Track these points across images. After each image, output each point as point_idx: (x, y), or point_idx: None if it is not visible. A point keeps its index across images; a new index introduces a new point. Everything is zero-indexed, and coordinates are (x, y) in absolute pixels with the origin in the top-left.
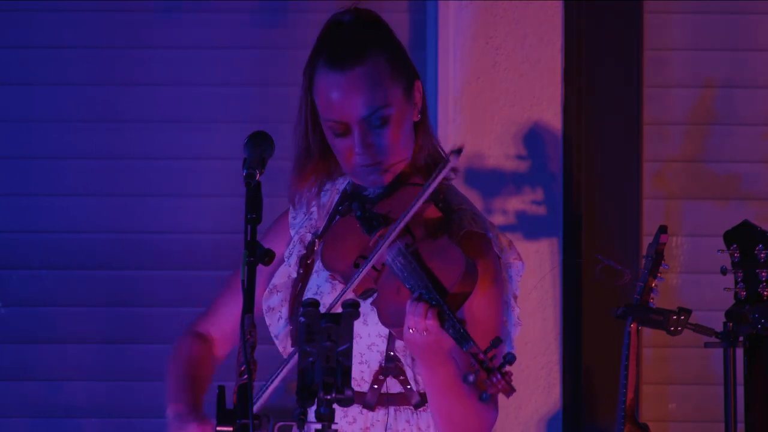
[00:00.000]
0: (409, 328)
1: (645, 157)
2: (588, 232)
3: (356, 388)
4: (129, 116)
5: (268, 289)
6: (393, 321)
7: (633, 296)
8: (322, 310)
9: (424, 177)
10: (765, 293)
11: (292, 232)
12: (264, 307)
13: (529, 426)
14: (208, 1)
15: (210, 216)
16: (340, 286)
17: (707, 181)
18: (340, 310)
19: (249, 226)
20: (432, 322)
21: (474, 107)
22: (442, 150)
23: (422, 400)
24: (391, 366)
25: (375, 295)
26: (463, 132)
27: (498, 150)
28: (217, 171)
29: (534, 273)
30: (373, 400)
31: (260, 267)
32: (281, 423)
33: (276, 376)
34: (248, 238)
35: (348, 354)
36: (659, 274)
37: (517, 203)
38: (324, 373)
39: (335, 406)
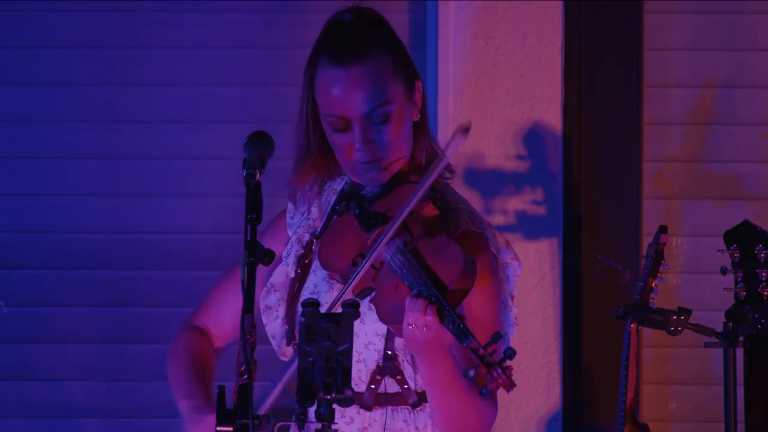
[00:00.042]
0: (408, 325)
1: (645, 157)
2: (588, 232)
3: (353, 388)
4: (129, 116)
5: (265, 288)
6: (392, 318)
7: (633, 296)
8: (323, 309)
9: (422, 176)
10: (765, 293)
11: (290, 232)
12: (261, 306)
13: (529, 426)
14: (208, 1)
15: (210, 216)
16: (337, 286)
17: (707, 181)
18: (339, 309)
19: (249, 226)
20: (431, 318)
21: (474, 107)
22: (440, 150)
23: (420, 400)
24: (388, 365)
25: (373, 293)
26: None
27: (498, 150)
28: (217, 171)
29: (534, 273)
30: (371, 400)
31: (258, 266)
32: (281, 423)
33: (281, 378)
34: (248, 238)
35: (348, 354)
36: (659, 274)
37: (517, 203)
38: (324, 373)
39: (334, 405)
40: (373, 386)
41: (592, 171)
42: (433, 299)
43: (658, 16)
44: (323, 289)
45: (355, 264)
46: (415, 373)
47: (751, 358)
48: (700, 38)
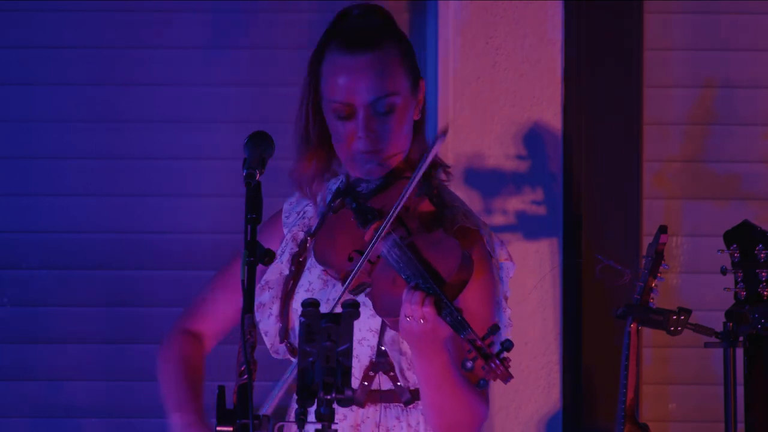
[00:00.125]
0: (405, 317)
1: (645, 157)
2: (588, 232)
3: None
4: (129, 116)
5: (259, 286)
6: (388, 311)
7: (633, 296)
8: (323, 308)
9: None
10: (765, 293)
11: (285, 231)
12: (255, 303)
13: (529, 426)
14: (208, 1)
15: (210, 216)
16: (332, 282)
17: (707, 181)
18: (332, 298)
19: (249, 226)
20: (429, 310)
21: (474, 107)
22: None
23: (412, 398)
24: (381, 361)
25: (368, 289)
26: (463, 132)
27: (498, 150)
28: (217, 171)
29: (534, 273)
30: (362, 397)
31: None
32: (281, 423)
33: (284, 381)
34: (248, 238)
35: (348, 354)
36: (659, 274)
37: (517, 203)
38: (324, 373)
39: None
40: (366, 383)
41: (592, 171)
42: (430, 292)
43: (658, 16)
44: (317, 287)
45: (350, 259)
46: (407, 369)
47: (751, 358)
48: (700, 38)
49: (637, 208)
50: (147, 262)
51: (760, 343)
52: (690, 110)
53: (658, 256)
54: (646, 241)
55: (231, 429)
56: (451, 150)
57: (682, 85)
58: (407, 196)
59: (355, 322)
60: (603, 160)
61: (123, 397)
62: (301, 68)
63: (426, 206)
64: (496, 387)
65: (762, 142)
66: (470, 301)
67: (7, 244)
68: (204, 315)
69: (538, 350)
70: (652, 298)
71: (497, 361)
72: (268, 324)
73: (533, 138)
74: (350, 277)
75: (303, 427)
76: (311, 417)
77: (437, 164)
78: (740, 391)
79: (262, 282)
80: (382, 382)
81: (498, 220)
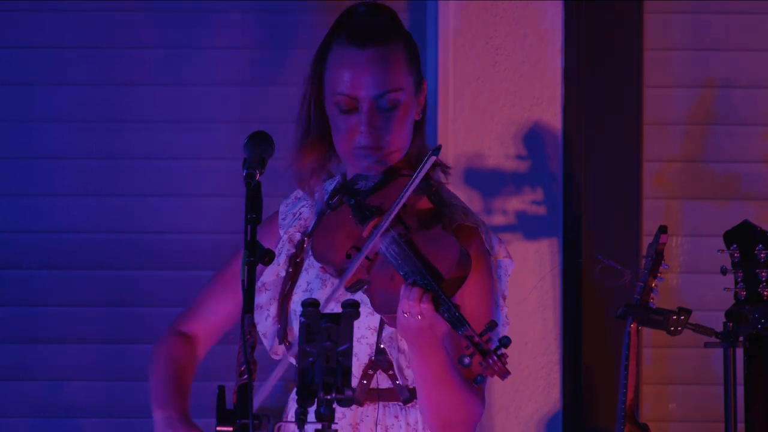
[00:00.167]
0: (403, 313)
1: (645, 157)
2: (588, 232)
3: None
4: (129, 116)
5: (256, 288)
6: (386, 308)
7: (633, 296)
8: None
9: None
10: (765, 293)
11: (282, 232)
12: None
13: (529, 426)
14: (208, 1)
15: (210, 216)
16: (331, 282)
17: (707, 181)
18: (333, 300)
19: (249, 226)
20: (426, 306)
21: (474, 107)
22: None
23: (411, 396)
24: (381, 359)
25: (365, 286)
26: (463, 132)
27: (498, 150)
28: (217, 171)
29: (534, 273)
30: (362, 396)
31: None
32: (280, 423)
33: (270, 378)
34: (248, 238)
35: (348, 354)
36: (659, 274)
37: (517, 203)
38: (324, 373)
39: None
40: (365, 381)
41: (592, 171)
42: (428, 289)
43: (658, 16)
44: (316, 287)
45: (349, 256)
46: (405, 367)
47: (751, 358)
48: (700, 38)
49: (637, 208)
50: (147, 262)
51: (760, 343)
52: (690, 110)
53: (658, 256)
54: (646, 241)
55: (231, 429)
56: (451, 150)
57: (682, 85)
58: (407, 195)
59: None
60: (603, 160)
61: (123, 397)
62: (302, 68)
63: (424, 204)
64: (496, 387)
65: (762, 142)
66: (468, 298)
67: (7, 244)
68: (198, 316)
69: (538, 350)
70: (652, 298)
71: (495, 357)
72: (266, 326)
73: (533, 138)
74: (347, 271)
75: (303, 427)
76: (311, 417)
77: (436, 164)
78: (740, 391)
79: (259, 284)
80: (381, 381)
81: (498, 220)
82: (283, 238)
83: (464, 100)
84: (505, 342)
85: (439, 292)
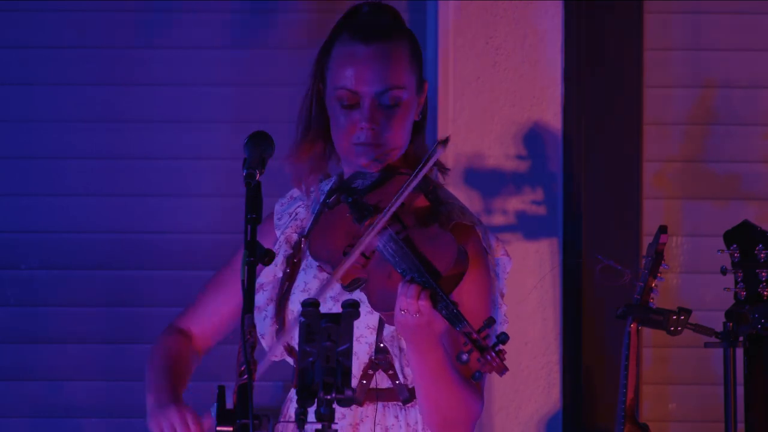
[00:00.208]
0: (401, 310)
1: (645, 157)
2: (588, 232)
3: None
4: (129, 116)
5: None
6: (384, 305)
7: (633, 296)
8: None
9: (413, 171)
10: (765, 293)
11: (278, 233)
12: None
13: (529, 426)
14: (208, 1)
15: (210, 216)
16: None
17: (707, 181)
18: (330, 297)
19: (249, 226)
20: (424, 303)
21: (474, 107)
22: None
23: (411, 396)
24: (380, 358)
25: (363, 285)
26: (463, 132)
27: (498, 150)
28: (217, 171)
29: (534, 273)
30: (362, 396)
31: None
32: (280, 423)
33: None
34: (248, 238)
35: (348, 354)
36: (659, 274)
37: (517, 203)
38: (324, 373)
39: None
40: (364, 381)
41: (592, 171)
42: (426, 286)
43: (658, 16)
44: (313, 287)
45: (345, 254)
46: (406, 366)
47: (751, 358)
48: (700, 38)
49: (637, 208)
50: (147, 262)
51: (760, 343)
52: (690, 110)
53: (658, 256)
54: (646, 241)
55: (231, 429)
56: (451, 150)
57: (682, 85)
58: (405, 194)
59: None
60: (603, 160)
61: (123, 397)
62: (301, 68)
63: (421, 202)
64: (496, 387)
65: (762, 142)
66: (466, 295)
67: (7, 244)
68: (197, 315)
69: (538, 350)
70: (652, 298)
71: (493, 353)
72: (264, 326)
73: (533, 138)
74: (340, 265)
75: (303, 427)
76: (311, 417)
77: (436, 163)
78: (740, 391)
79: (257, 285)
80: (381, 381)
81: (498, 220)
82: (280, 239)
83: (464, 100)
84: (503, 338)
85: (437, 288)
